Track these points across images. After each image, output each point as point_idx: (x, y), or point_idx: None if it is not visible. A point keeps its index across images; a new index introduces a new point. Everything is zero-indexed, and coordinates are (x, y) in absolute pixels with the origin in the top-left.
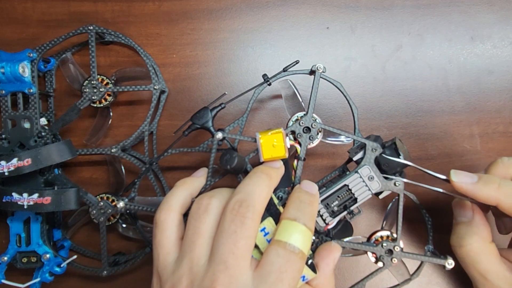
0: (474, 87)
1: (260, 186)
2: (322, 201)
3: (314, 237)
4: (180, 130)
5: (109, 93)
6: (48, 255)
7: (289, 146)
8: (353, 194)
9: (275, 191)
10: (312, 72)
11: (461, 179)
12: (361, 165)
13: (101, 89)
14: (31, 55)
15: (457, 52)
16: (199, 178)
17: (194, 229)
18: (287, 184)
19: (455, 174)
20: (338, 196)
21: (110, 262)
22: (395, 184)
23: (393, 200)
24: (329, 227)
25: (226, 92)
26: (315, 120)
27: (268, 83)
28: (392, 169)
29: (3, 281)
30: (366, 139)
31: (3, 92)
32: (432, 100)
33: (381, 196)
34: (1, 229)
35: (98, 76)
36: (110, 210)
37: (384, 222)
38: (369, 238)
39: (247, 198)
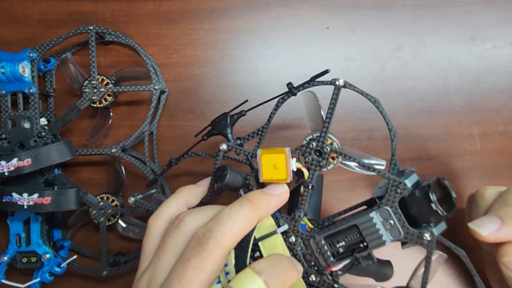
0: (474, 87)
1: (236, 218)
2: (325, 238)
3: (313, 277)
4: (200, 133)
5: (109, 93)
6: (48, 255)
7: (295, 169)
8: (364, 239)
9: (291, 210)
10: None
11: (490, 229)
12: (380, 204)
13: (101, 89)
14: (31, 55)
15: (457, 52)
16: (200, 187)
17: (162, 243)
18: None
19: (480, 227)
20: (346, 237)
21: (110, 262)
22: (422, 236)
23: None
24: (334, 268)
25: (248, 100)
26: (332, 143)
27: (293, 94)
28: (423, 217)
29: (3, 281)
30: (392, 174)
31: (3, 92)
32: (432, 100)
33: (404, 247)
34: (1, 229)
35: (98, 76)
36: (110, 210)
37: (412, 280)
38: None
39: (214, 229)
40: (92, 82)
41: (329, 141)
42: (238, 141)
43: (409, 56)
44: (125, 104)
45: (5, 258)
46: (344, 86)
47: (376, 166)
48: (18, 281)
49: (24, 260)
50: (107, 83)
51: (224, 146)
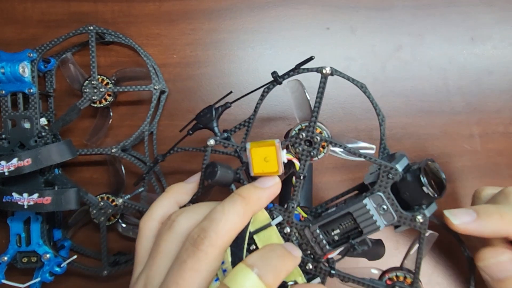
0: (474, 88)
1: (228, 215)
2: (320, 226)
3: (310, 265)
4: (185, 128)
5: (109, 93)
6: (48, 255)
7: (285, 161)
8: (358, 225)
9: (283, 202)
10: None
11: (462, 219)
12: (372, 190)
13: (101, 89)
14: (31, 55)
15: (457, 53)
16: (190, 184)
17: (155, 245)
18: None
19: (453, 215)
20: (340, 224)
21: (110, 262)
22: (415, 219)
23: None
24: (331, 255)
25: (232, 91)
26: (322, 132)
27: (278, 82)
28: (415, 200)
29: (3, 281)
30: (383, 160)
31: (3, 92)
32: (432, 100)
33: (397, 230)
34: (1, 229)
35: (98, 76)
36: (110, 210)
37: (405, 260)
38: (382, 274)
39: (208, 228)
40: (92, 82)
41: (318, 130)
42: (225, 134)
43: (409, 56)
44: (125, 104)
45: (5, 258)
46: (332, 74)
47: (366, 151)
48: (18, 281)
49: (24, 260)
50: (107, 83)
51: (211, 142)
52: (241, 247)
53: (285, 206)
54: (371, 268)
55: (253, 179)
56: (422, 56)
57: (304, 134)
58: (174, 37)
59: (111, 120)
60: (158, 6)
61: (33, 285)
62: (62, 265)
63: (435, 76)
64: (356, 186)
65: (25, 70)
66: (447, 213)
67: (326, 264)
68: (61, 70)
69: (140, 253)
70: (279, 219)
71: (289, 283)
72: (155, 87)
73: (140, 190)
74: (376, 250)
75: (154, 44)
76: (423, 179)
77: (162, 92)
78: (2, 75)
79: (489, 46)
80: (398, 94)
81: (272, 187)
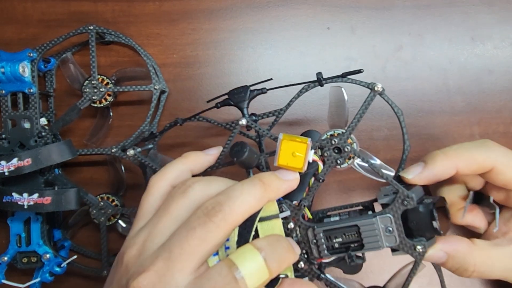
0: (475, 87)
1: (246, 196)
2: (324, 231)
3: (302, 264)
4: (214, 100)
5: (109, 93)
6: (48, 255)
7: (311, 161)
8: (361, 239)
9: (287, 197)
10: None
11: (414, 172)
12: (383, 211)
13: (101, 89)
14: (31, 55)
15: (457, 52)
16: (208, 156)
17: (165, 206)
18: (298, 196)
19: (406, 172)
20: (344, 234)
21: (110, 262)
22: (415, 248)
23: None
24: (324, 261)
25: (272, 78)
26: (353, 143)
27: (320, 84)
28: (420, 231)
29: (3, 281)
30: (403, 186)
31: (3, 92)
32: (433, 100)
33: (394, 254)
34: (1, 229)
35: (99, 76)
36: (110, 210)
37: (389, 283)
38: None
39: (224, 203)
40: (92, 82)
41: (350, 140)
42: (253, 117)
43: (410, 56)
44: (125, 104)
45: (5, 258)
46: (381, 94)
47: (386, 172)
48: (18, 281)
49: (25, 260)
50: (107, 83)
51: (243, 122)
52: (249, 229)
53: (296, 202)
54: (355, 282)
55: (269, 168)
56: (422, 56)
57: (336, 141)
58: (174, 37)
59: (111, 120)
60: (158, 6)
61: (33, 285)
62: (62, 265)
63: (435, 76)
64: (362, 202)
65: (25, 70)
66: (401, 173)
67: (317, 267)
68: (61, 70)
69: (145, 209)
70: (287, 213)
71: (281, 276)
72: (155, 87)
73: (150, 146)
74: (357, 265)
75: (154, 44)
76: (435, 214)
77: (162, 92)
78: (2, 75)
79: (489, 46)
80: (398, 94)
81: (291, 181)
